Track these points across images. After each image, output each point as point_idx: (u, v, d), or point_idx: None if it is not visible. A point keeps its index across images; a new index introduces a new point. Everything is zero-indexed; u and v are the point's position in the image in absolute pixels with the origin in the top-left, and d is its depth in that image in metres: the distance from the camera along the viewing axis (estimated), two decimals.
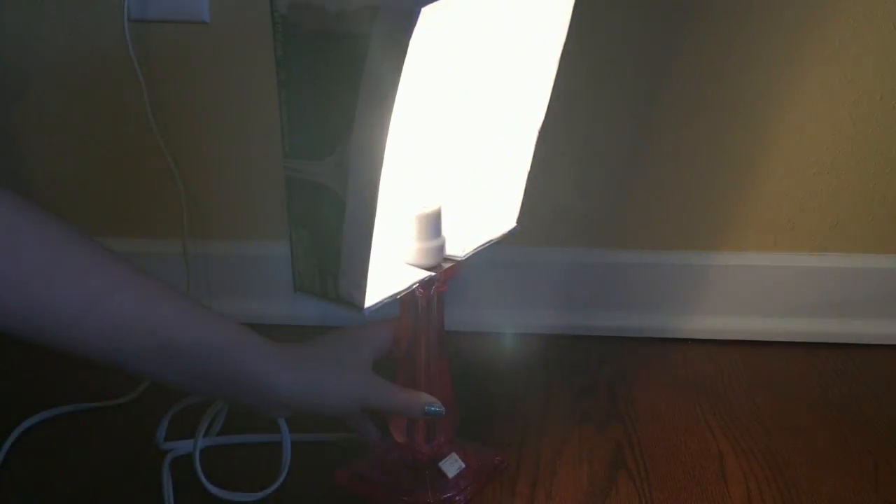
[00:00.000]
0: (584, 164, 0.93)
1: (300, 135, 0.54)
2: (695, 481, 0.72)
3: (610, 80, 0.89)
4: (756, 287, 0.95)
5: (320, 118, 0.52)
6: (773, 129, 0.90)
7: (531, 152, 0.66)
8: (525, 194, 0.68)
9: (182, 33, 0.91)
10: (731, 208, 0.93)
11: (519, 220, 0.69)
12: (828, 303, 0.95)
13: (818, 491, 0.71)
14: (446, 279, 0.65)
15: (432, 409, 0.65)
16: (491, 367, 0.92)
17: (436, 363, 0.68)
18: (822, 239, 0.94)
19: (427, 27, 0.47)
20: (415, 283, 0.61)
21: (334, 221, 0.54)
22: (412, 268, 0.62)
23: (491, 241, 0.68)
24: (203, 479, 0.68)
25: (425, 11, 0.46)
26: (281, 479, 0.71)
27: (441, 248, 0.63)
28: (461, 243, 0.66)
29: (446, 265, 0.64)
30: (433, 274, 0.62)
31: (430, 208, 0.61)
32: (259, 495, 0.70)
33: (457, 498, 0.69)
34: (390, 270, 0.61)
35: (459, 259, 0.65)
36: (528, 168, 0.67)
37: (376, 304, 0.58)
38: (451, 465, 0.70)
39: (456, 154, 0.65)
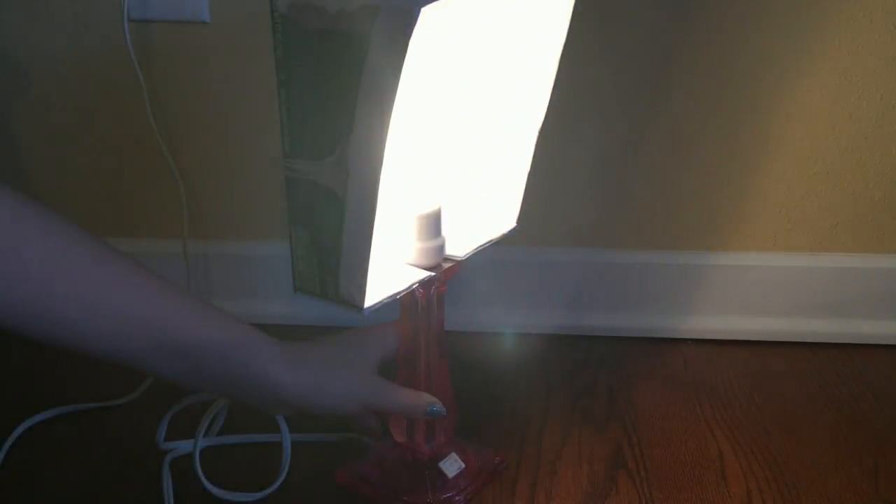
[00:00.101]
0: (584, 163, 0.93)
1: (300, 135, 0.54)
2: (695, 481, 0.72)
3: (610, 80, 0.89)
4: (756, 287, 0.95)
5: (320, 118, 0.52)
6: (773, 129, 0.90)
7: (531, 152, 0.66)
8: (525, 194, 0.68)
9: (182, 33, 0.91)
10: (731, 208, 0.93)
11: (519, 221, 0.69)
12: (828, 303, 0.95)
13: (818, 491, 0.71)
14: (446, 279, 0.65)
15: (434, 409, 0.65)
16: (491, 367, 0.92)
17: (436, 363, 0.68)
18: (821, 239, 0.94)
19: (427, 27, 0.47)
20: (415, 283, 0.61)
21: (334, 221, 0.55)
22: (412, 268, 0.62)
23: (491, 241, 0.68)
24: (203, 479, 0.68)
25: (425, 11, 0.46)
26: (281, 479, 0.71)
27: (441, 248, 0.63)
28: (461, 243, 0.66)
29: (446, 265, 0.64)
30: (433, 274, 0.62)
31: (430, 208, 0.61)
32: (259, 495, 0.70)
33: (457, 498, 0.69)
34: (390, 270, 0.61)
35: (459, 259, 0.65)
36: (528, 168, 0.67)
37: (376, 304, 0.58)
38: (451, 465, 0.70)
39: (456, 154, 0.65)
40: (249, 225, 0.99)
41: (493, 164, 0.67)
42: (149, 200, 0.99)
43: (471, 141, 0.66)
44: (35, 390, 0.87)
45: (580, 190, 0.94)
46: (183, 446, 0.74)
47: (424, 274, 0.62)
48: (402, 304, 0.66)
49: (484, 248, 0.67)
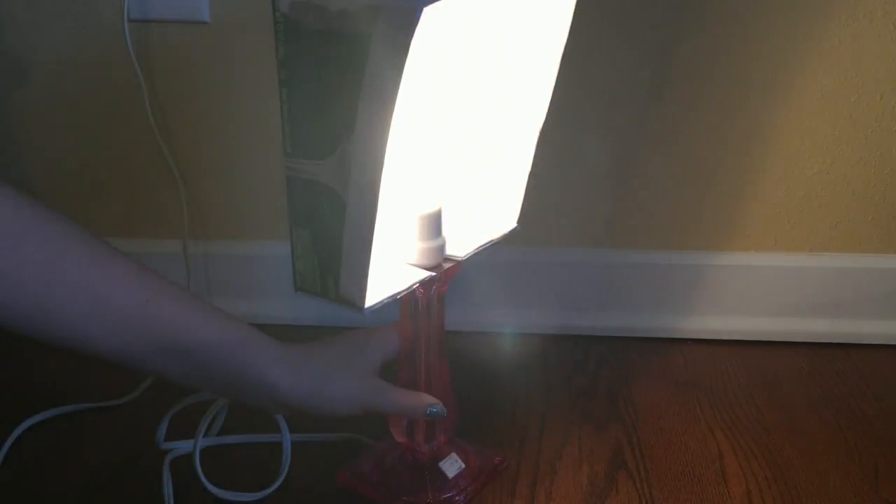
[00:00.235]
0: (584, 164, 0.93)
1: (301, 134, 0.54)
2: (695, 481, 0.72)
3: (610, 80, 0.89)
4: (756, 287, 0.95)
5: (321, 118, 0.52)
6: (774, 129, 0.90)
7: (532, 153, 0.66)
8: (525, 194, 0.68)
9: (182, 33, 0.91)
10: (731, 208, 0.93)
11: (519, 221, 0.69)
12: (828, 303, 0.95)
13: (818, 491, 0.71)
14: (447, 279, 0.65)
15: (434, 409, 0.65)
16: (491, 367, 0.92)
17: (436, 363, 0.68)
18: (822, 239, 0.94)
19: (429, 27, 0.47)
20: (415, 283, 0.61)
21: (335, 221, 0.54)
22: (412, 268, 0.62)
23: (491, 241, 0.68)
24: (203, 479, 0.68)
25: (427, 11, 0.46)
26: (281, 479, 0.71)
27: (441, 248, 0.63)
28: (462, 243, 0.66)
29: (447, 265, 0.64)
30: (433, 274, 0.62)
31: (430, 208, 0.61)
32: (259, 495, 0.70)
33: (457, 498, 0.69)
34: (391, 270, 0.61)
35: (460, 259, 0.65)
36: (528, 168, 0.67)
37: (376, 304, 0.58)
38: (451, 465, 0.70)
39: (457, 154, 0.65)
40: (249, 225, 0.99)
41: (493, 164, 0.67)
42: (149, 200, 0.99)
43: (472, 141, 0.66)
44: (35, 390, 0.87)
45: (580, 190, 0.94)
46: (183, 446, 0.74)
47: (425, 274, 0.62)
48: (403, 304, 0.66)
49: (484, 248, 0.67)
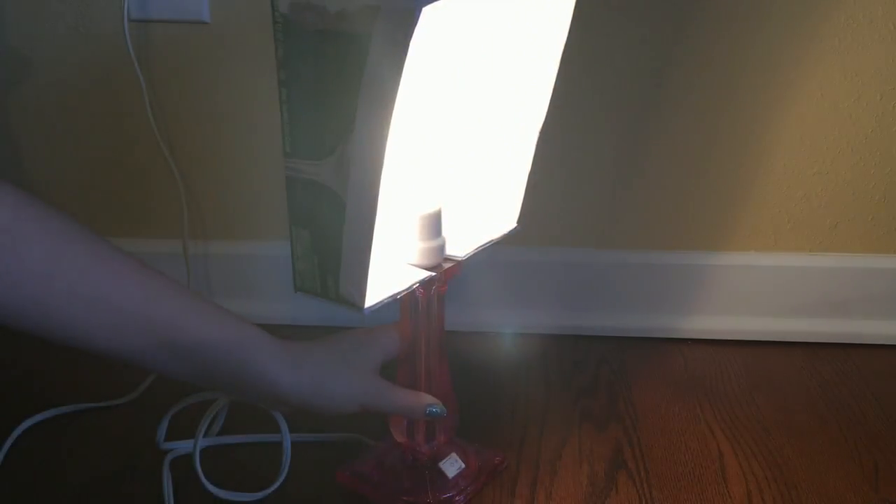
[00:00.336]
0: (584, 163, 0.93)
1: (301, 134, 0.54)
2: (695, 481, 0.72)
3: (610, 80, 0.89)
4: (756, 287, 0.95)
5: (321, 118, 0.52)
6: (774, 129, 0.90)
7: (532, 153, 0.66)
8: (525, 194, 0.68)
9: (182, 33, 0.91)
10: (731, 208, 0.93)
11: (519, 221, 0.69)
12: (828, 303, 0.95)
13: (818, 491, 0.71)
14: (447, 279, 0.65)
15: (434, 410, 0.65)
16: (491, 367, 0.92)
17: (436, 363, 0.68)
18: (822, 239, 0.94)
19: (428, 27, 0.47)
20: (415, 283, 0.61)
21: (334, 221, 0.54)
22: (412, 268, 0.62)
23: (491, 241, 0.68)
24: (203, 479, 0.68)
25: (426, 11, 0.46)
26: (281, 479, 0.71)
27: (441, 248, 0.63)
28: (462, 243, 0.66)
29: (447, 265, 0.64)
30: (433, 274, 0.62)
31: (430, 208, 0.61)
32: (259, 495, 0.70)
33: (457, 498, 0.69)
34: (390, 270, 0.61)
35: (460, 259, 0.65)
36: (528, 168, 0.67)
37: (376, 304, 0.58)
38: (451, 465, 0.70)
39: (457, 154, 0.65)
40: (249, 225, 0.99)
41: (493, 164, 0.67)
42: (149, 200, 0.99)
43: (472, 141, 0.66)
44: (35, 390, 0.87)
45: (580, 190, 0.94)
46: (183, 446, 0.74)
47: (425, 274, 0.62)
48: (403, 303, 0.66)
49: (484, 248, 0.67)
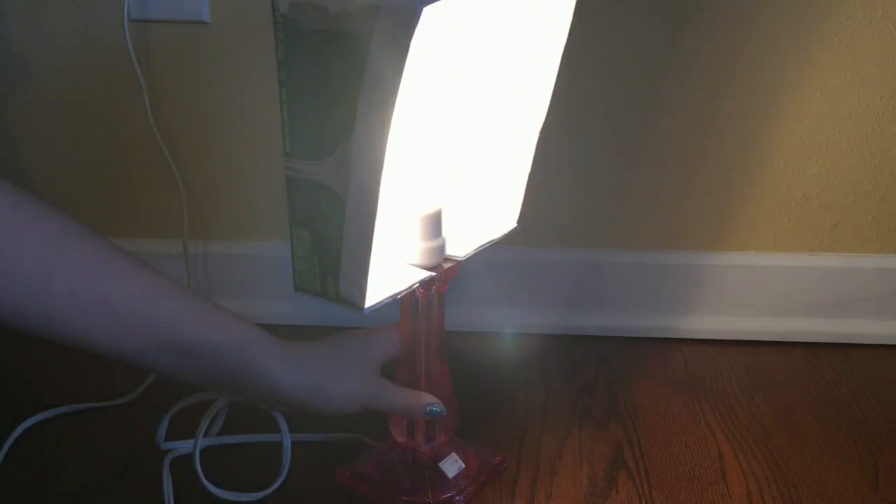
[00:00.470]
0: (584, 164, 0.93)
1: (301, 134, 0.54)
2: (695, 481, 0.72)
3: (610, 80, 0.89)
4: (756, 287, 0.95)
5: (321, 118, 0.52)
6: (774, 128, 0.90)
7: (532, 153, 0.66)
8: (525, 194, 0.68)
9: (182, 33, 0.91)
10: (730, 208, 0.93)
11: (519, 221, 0.69)
12: (828, 303, 0.95)
13: (818, 491, 0.71)
14: (447, 279, 0.65)
15: (434, 409, 0.65)
16: (491, 367, 0.92)
17: (436, 363, 0.68)
18: (822, 239, 0.94)
19: (429, 27, 0.47)
20: (415, 283, 0.61)
21: (335, 221, 0.54)
22: (412, 268, 0.62)
23: (491, 241, 0.68)
24: (203, 479, 0.68)
25: (427, 11, 0.46)
26: (281, 479, 0.71)
27: (441, 248, 0.63)
28: (462, 243, 0.66)
29: (447, 265, 0.64)
30: (433, 274, 0.62)
31: (431, 208, 0.61)
32: (259, 495, 0.70)
33: (457, 498, 0.69)
34: (391, 270, 0.61)
35: (460, 259, 0.65)
36: (528, 168, 0.67)
37: (376, 304, 0.58)
38: (451, 465, 0.70)
39: (457, 154, 0.65)
40: (249, 225, 0.99)
41: (493, 164, 0.67)
42: (149, 200, 0.99)
43: (472, 141, 0.66)
44: (35, 390, 0.87)
45: (580, 190, 0.94)
46: (183, 446, 0.74)
47: (425, 274, 0.62)
48: (403, 304, 0.66)
49: (484, 249, 0.67)
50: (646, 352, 0.94)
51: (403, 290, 0.60)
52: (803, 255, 0.94)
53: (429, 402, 0.65)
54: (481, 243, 0.67)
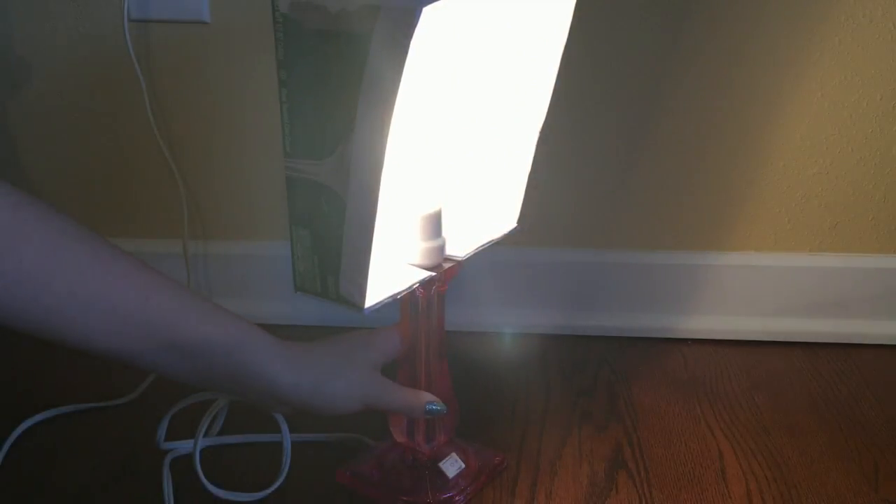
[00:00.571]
0: (584, 163, 0.93)
1: (301, 134, 0.54)
2: (695, 481, 0.72)
3: (610, 80, 0.89)
4: (756, 287, 0.95)
5: (321, 118, 0.52)
6: (773, 128, 0.90)
7: (532, 153, 0.66)
8: (525, 194, 0.68)
9: (182, 33, 0.91)
10: (730, 208, 0.93)
11: (519, 221, 0.69)
12: (828, 303, 0.95)
13: (818, 491, 0.71)
14: (447, 279, 0.65)
15: (434, 407, 0.65)
16: (491, 367, 0.92)
17: (436, 363, 0.68)
18: (822, 239, 0.94)
19: (428, 27, 0.47)
20: (415, 283, 0.61)
21: (335, 221, 0.54)
22: (413, 268, 0.62)
23: (491, 241, 0.68)
24: (203, 479, 0.68)
25: (427, 11, 0.46)
26: (281, 479, 0.71)
27: (441, 248, 0.63)
28: (462, 243, 0.66)
29: (447, 265, 0.64)
30: (434, 274, 0.62)
31: (431, 208, 0.61)
32: (259, 495, 0.70)
33: (457, 498, 0.69)
34: (391, 270, 0.61)
35: (460, 259, 0.65)
36: (528, 169, 0.67)
37: (376, 304, 0.58)
38: (451, 465, 0.70)
39: (457, 154, 0.65)
40: (249, 225, 0.99)
41: (493, 164, 0.67)
42: (149, 200, 0.99)
43: (472, 141, 0.66)
44: (35, 390, 0.87)
45: (580, 190, 0.94)
46: (183, 446, 0.74)
47: (425, 274, 0.62)
48: (403, 304, 0.66)
49: (484, 249, 0.67)
50: (646, 352, 0.94)
51: (403, 290, 0.60)
52: (803, 255, 0.94)
53: (429, 400, 0.65)
54: (481, 243, 0.67)
